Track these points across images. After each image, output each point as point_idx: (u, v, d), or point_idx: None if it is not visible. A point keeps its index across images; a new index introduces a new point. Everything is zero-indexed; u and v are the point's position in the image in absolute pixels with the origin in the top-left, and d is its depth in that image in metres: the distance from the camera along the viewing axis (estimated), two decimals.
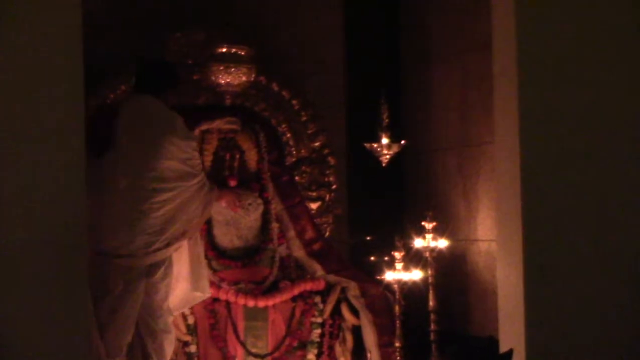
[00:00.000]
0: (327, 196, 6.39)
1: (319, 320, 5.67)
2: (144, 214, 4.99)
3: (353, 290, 5.75)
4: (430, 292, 5.70)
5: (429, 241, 5.70)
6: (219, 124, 5.96)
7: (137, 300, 4.84)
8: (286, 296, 5.64)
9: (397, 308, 5.54)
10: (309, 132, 6.38)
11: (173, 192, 5.08)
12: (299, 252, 6.01)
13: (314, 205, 6.31)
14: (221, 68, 5.97)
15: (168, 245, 5.04)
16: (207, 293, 5.37)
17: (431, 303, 5.70)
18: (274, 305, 5.58)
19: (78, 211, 4.00)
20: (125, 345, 4.85)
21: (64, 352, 4.01)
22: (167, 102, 5.27)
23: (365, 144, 5.88)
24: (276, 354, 5.56)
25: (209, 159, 5.94)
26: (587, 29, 4.82)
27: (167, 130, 5.09)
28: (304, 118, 6.37)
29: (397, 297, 5.53)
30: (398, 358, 5.55)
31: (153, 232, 5.00)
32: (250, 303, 5.52)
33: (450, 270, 6.42)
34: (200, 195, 5.22)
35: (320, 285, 5.80)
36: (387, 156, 5.84)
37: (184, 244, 5.22)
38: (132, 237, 4.94)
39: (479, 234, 6.44)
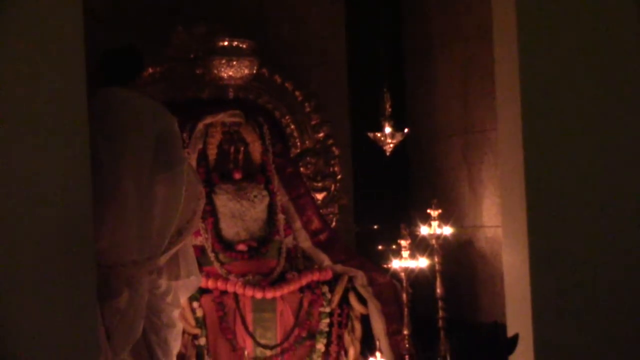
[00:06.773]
0: (333, 186, 6.41)
1: (327, 310, 5.68)
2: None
3: (360, 279, 5.75)
4: (437, 279, 5.72)
5: (434, 229, 5.72)
6: (222, 117, 5.97)
7: (143, 300, 4.73)
8: (294, 287, 5.65)
9: (404, 296, 5.56)
10: (313, 123, 6.41)
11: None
12: (305, 243, 6.04)
13: (319, 196, 6.34)
14: (223, 61, 5.98)
15: (168, 249, 4.87)
16: (199, 278, 5.12)
17: (438, 290, 5.72)
18: (281, 297, 5.59)
19: (84, 211, 3.97)
20: (131, 343, 4.78)
21: (71, 355, 3.99)
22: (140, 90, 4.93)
23: (368, 134, 5.89)
24: (285, 345, 5.57)
25: (213, 152, 5.95)
26: (588, 15, 4.81)
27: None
28: (308, 109, 6.40)
29: (404, 285, 5.55)
30: (407, 346, 5.57)
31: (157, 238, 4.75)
32: (258, 295, 5.53)
33: (457, 257, 6.45)
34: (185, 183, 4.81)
35: (328, 275, 5.81)
36: (391, 145, 5.84)
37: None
38: (135, 247, 4.69)
39: (485, 221, 6.46)
